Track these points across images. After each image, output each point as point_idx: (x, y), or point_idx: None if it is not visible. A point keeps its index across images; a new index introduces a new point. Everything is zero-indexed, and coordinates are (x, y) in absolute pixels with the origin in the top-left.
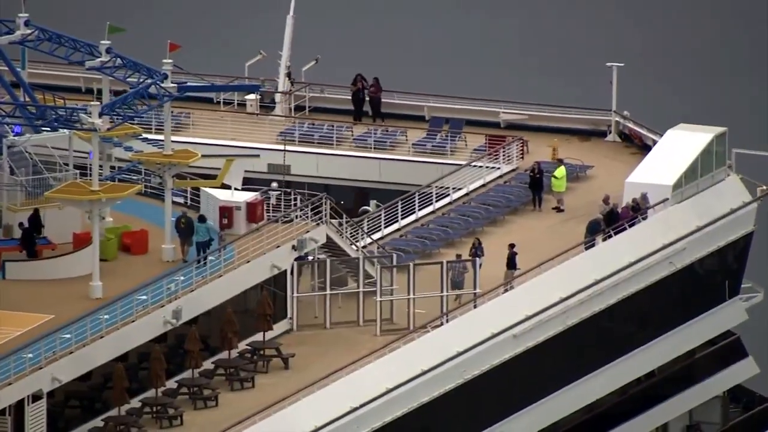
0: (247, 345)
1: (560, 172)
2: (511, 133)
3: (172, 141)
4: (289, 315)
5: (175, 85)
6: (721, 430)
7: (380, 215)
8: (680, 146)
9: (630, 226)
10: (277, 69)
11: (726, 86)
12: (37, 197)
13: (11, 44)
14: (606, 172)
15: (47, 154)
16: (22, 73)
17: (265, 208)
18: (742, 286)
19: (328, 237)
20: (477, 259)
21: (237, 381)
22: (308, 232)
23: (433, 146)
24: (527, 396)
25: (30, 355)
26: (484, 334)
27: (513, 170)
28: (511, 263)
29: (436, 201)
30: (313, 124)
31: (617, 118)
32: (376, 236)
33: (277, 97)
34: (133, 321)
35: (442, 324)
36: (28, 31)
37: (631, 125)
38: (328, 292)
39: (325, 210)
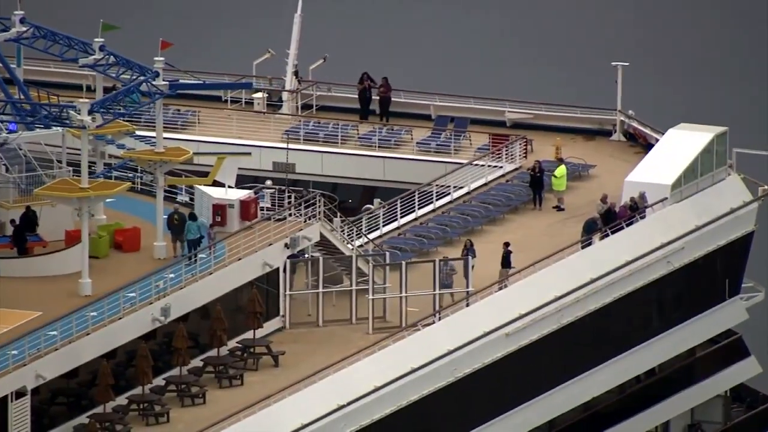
0: (237, 343)
1: (560, 171)
2: (517, 132)
3: (179, 139)
4: (281, 313)
5: (167, 82)
6: (722, 430)
7: (379, 214)
8: (680, 145)
9: (627, 225)
10: (285, 68)
11: (732, 86)
12: (30, 194)
13: (6, 42)
14: (608, 172)
15: (41, 151)
16: (17, 71)
17: (258, 206)
18: (744, 285)
19: (322, 235)
20: (468, 257)
21: (226, 379)
22: (301, 230)
23: (437, 145)
24: (520, 395)
25: (14, 352)
26: (475, 332)
27: (516, 169)
28: (506, 262)
29: (437, 200)
30: (319, 123)
31: (622, 118)
32: (375, 234)
33: (284, 95)
34: (121, 318)
35: (433, 322)
36: (24, 29)
37: (635, 124)
38: (320, 290)
39: (319, 208)
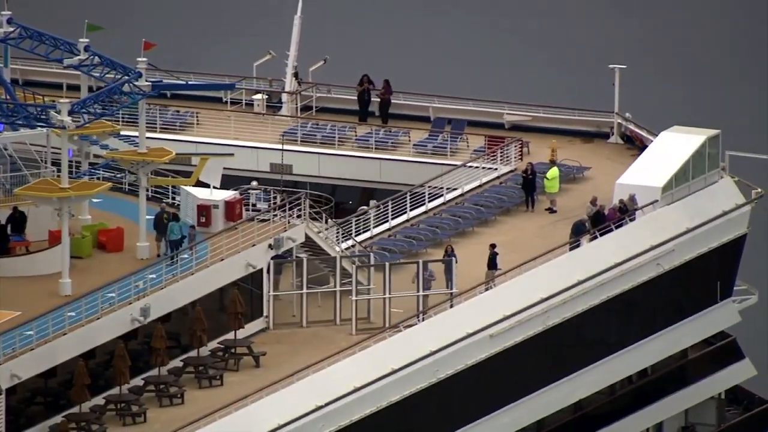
0: (219, 343)
1: (552, 173)
2: (516, 134)
3: (175, 140)
4: (265, 313)
5: (149, 83)
6: None
7: (370, 215)
8: (672, 148)
9: (617, 227)
10: (285, 69)
11: (729, 88)
12: (15, 194)
13: None
14: (603, 174)
15: (26, 150)
16: (4, 71)
17: (243, 206)
18: (738, 288)
19: (307, 236)
20: (452, 258)
21: (205, 379)
22: (286, 230)
23: (434, 147)
24: (504, 397)
25: None
26: (458, 333)
27: (511, 171)
28: (492, 263)
29: (429, 201)
30: (317, 124)
31: (619, 120)
32: (366, 235)
33: (284, 97)
34: (99, 318)
35: (416, 323)
36: (11, 29)
37: (632, 127)
38: (304, 290)
39: (304, 209)
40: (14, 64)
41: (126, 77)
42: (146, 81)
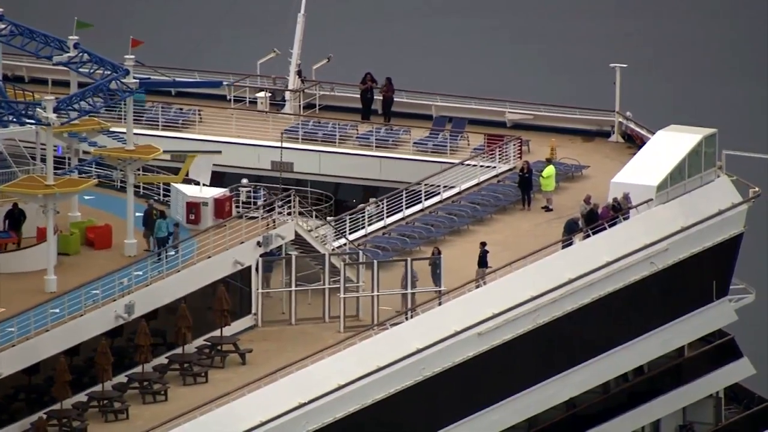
0: (205, 340)
1: (548, 171)
2: (517, 132)
3: (180, 138)
4: (253, 311)
5: (137, 80)
6: (713, 430)
7: (364, 213)
8: (668, 147)
9: (610, 226)
10: (289, 67)
11: (732, 87)
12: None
13: None
14: (602, 173)
15: (14, 145)
16: None
17: (233, 203)
18: (735, 286)
19: (297, 233)
20: (440, 257)
21: (190, 376)
22: (275, 228)
23: (434, 145)
24: (492, 395)
25: None
26: (445, 331)
27: (509, 170)
28: (482, 262)
29: (426, 199)
30: (319, 122)
31: (620, 119)
32: (361, 233)
33: (287, 95)
34: (82, 315)
35: (404, 321)
36: (2, 26)
37: (632, 126)
38: (293, 288)
39: (294, 206)
40: (19, 61)
41: (114, 74)
42: (133, 78)
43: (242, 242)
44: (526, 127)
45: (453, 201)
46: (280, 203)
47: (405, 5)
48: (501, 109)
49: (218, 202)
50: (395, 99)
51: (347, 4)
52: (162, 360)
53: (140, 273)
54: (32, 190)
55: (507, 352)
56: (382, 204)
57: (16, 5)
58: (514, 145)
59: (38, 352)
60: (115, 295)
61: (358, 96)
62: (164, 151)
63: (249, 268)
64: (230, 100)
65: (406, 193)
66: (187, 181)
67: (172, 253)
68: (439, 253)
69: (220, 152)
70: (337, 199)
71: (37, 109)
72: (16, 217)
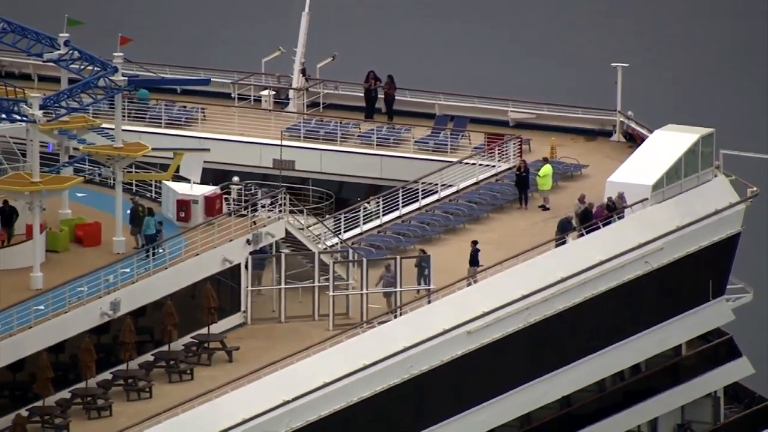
0: (192, 338)
1: (544, 170)
2: (519, 131)
3: (182, 135)
4: (242, 308)
5: (125, 78)
6: (711, 430)
7: (360, 211)
8: (665, 146)
9: (604, 225)
10: (293, 65)
11: (732, 88)
12: None
13: None
14: (601, 172)
15: (4, 141)
16: None
17: (224, 201)
18: (733, 286)
19: (287, 231)
20: (429, 256)
21: (176, 373)
22: (265, 225)
23: (435, 144)
24: (482, 394)
25: None
26: (434, 329)
27: (509, 169)
28: (474, 260)
29: (423, 198)
30: (321, 121)
31: (621, 119)
32: (356, 231)
33: (291, 93)
34: (67, 312)
35: (392, 319)
36: None
37: (633, 125)
38: (283, 285)
39: (284, 204)
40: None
41: (102, 72)
42: (122, 76)
43: (231, 240)
44: (529, 126)
45: (450, 199)
46: (269, 201)
47: (409, 4)
48: (504, 109)
49: (209, 200)
50: (398, 97)
51: (352, 2)
52: (148, 357)
53: (127, 270)
54: (18, 187)
55: (497, 350)
56: (379, 202)
57: (16, 4)
58: (514, 144)
59: (21, 349)
60: (101, 292)
61: (362, 94)
62: (153, 149)
63: (239, 265)
64: (234, 98)
65: (403, 192)
66: (178, 178)
67: (160, 250)
68: (425, 253)
69: (208, 150)
70: (341, 198)
71: (23, 106)
72: (7, 214)
